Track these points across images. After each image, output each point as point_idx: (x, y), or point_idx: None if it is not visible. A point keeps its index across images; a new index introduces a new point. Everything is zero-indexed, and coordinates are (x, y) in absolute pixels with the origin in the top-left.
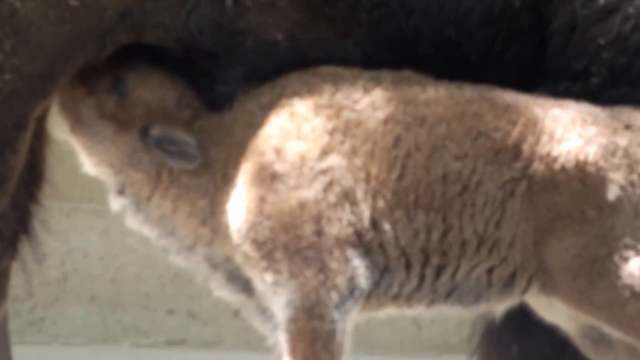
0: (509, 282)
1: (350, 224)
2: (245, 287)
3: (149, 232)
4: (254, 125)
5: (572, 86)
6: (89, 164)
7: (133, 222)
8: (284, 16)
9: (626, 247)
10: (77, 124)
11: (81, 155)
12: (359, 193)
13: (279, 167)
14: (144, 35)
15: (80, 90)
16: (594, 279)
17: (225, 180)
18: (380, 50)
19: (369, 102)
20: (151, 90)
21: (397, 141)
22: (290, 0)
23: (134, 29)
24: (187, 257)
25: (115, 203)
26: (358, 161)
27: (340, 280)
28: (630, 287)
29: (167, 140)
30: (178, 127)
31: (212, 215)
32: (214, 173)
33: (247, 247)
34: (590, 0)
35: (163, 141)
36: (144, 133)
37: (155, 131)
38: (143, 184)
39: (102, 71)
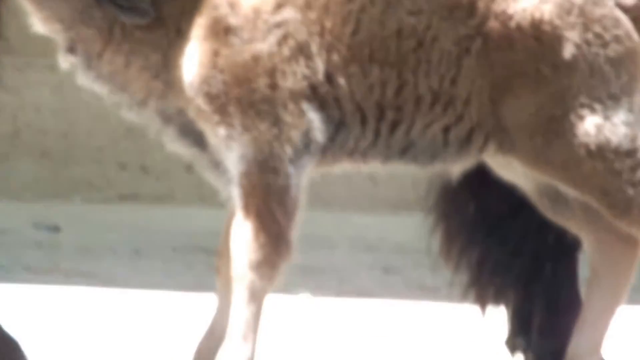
0: (466, 141)
1: (305, 77)
2: (198, 141)
3: (100, 88)
4: None
5: None
6: (38, 21)
7: (84, 79)
8: None
9: (582, 106)
10: None
11: (31, 12)
12: (314, 47)
13: (233, 21)
14: None
15: None
16: (550, 138)
17: (179, 34)
18: None
19: None
20: None
21: None
22: None
23: None
24: (139, 112)
25: (65, 61)
26: (312, 15)
27: (295, 134)
28: (586, 146)
29: None
30: None
31: (165, 69)
32: (167, 28)
33: (200, 101)
34: None
35: None
36: None
37: None
38: (94, 40)
39: None
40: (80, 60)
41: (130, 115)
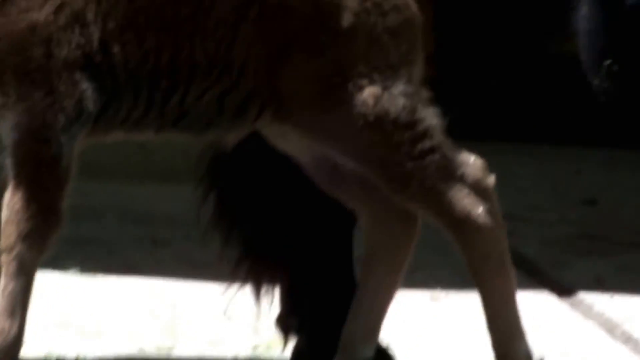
0: (241, 109)
1: (79, 46)
2: None
3: None
4: None
5: None
6: None
7: None
8: None
9: (360, 75)
10: None
11: None
12: (90, 15)
13: None
14: None
15: None
16: (327, 107)
17: None
18: None
19: None
20: None
21: None
22: None
23: None
24: None
25: None
26: None
27: (68, 103)
28: (364, 117)
29: None
30: None
31: None
32: None
33: None
34: None
35: None
36: None
37: None
38: None
39: None
40: None
41: None
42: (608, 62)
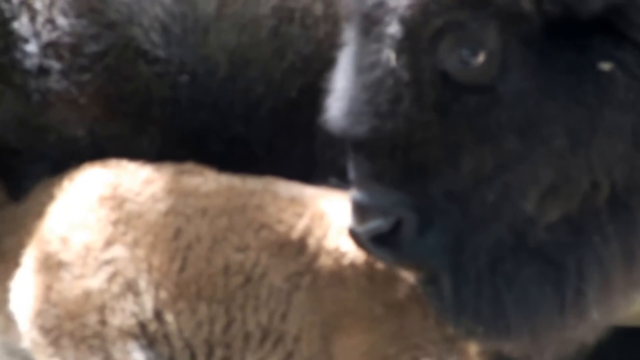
0: None
1: (134, 314)
2: None
3: None
4: (43, 214)
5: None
6: None
7: None
8: (84, 112)
9: (416, 347)
10: None
11: None
12: (142, 284)
13: (65, 256)
14: None
15: None
16: None
17: (19, 269)
18: (173, 147)
19: (150, 194)
20: None
21: (177, 233)
22: (90, 96)
23: None
24: None
25: None
26: (140, 252)
27: None
28: None
29: None
30: None
31: (6, 302)
32: (7, 262)
33: (35, 334)
34: None
35: None
36: None
37: None
38: None
39: None
40: None
41: None
42: None
